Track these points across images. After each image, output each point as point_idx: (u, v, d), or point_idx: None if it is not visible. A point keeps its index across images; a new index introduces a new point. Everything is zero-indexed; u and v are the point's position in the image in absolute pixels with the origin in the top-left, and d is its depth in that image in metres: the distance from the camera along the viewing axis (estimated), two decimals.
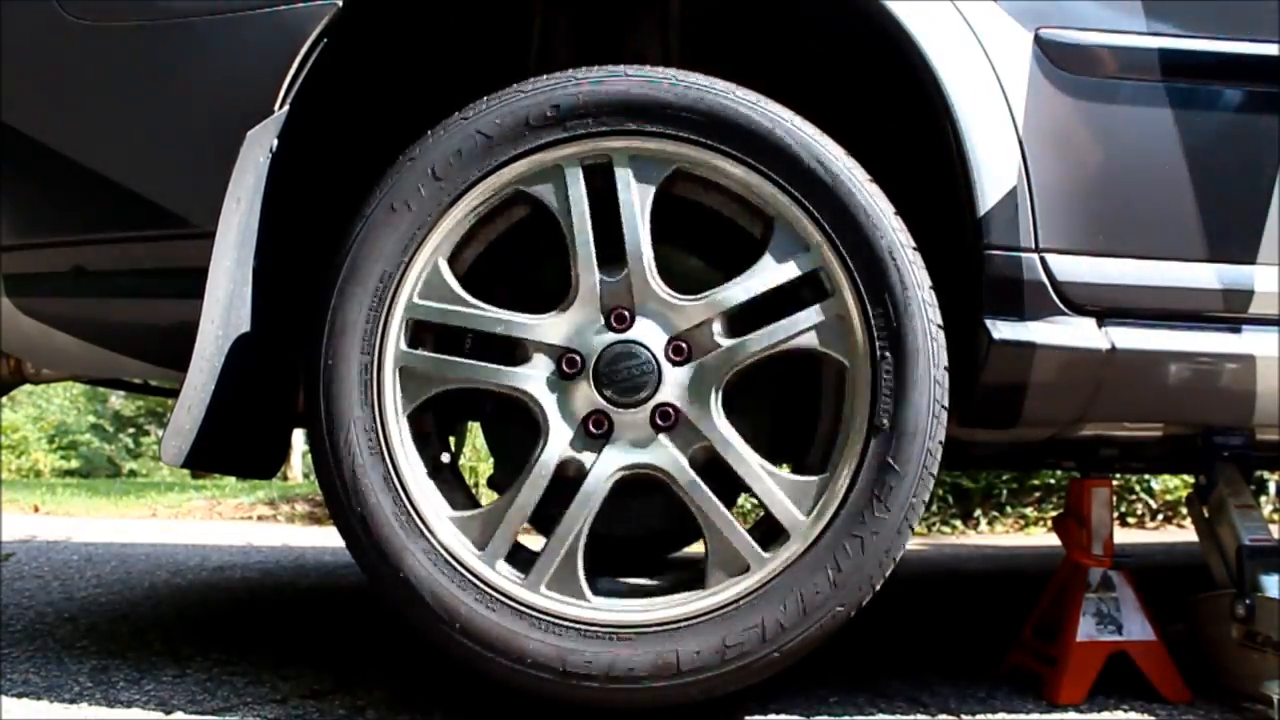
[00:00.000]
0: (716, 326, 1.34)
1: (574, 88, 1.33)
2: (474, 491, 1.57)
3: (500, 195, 1.35)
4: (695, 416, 1.33)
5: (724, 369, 1.33)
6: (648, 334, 1.34)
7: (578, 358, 1.34)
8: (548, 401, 1.34)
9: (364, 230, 1.33)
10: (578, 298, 1.34)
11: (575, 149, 1.33)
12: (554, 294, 1.37)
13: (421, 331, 1.36)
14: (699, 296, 1.34)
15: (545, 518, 1.35)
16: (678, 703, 1.30)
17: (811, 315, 1.33)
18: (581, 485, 1.33)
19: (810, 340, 1.33)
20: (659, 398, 1.33)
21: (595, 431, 1.34)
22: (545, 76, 1.35)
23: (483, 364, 1.36)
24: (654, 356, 1.34)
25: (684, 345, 1.35)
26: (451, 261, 1.36)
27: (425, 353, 1.35)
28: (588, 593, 1.32)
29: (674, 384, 1.34)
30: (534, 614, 1.30)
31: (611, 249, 1.34)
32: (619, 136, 1.33)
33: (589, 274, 1.34)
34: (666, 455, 1.33)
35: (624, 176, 1.34)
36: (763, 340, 1.33)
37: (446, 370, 1.35)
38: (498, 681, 1.30)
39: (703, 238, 1.49)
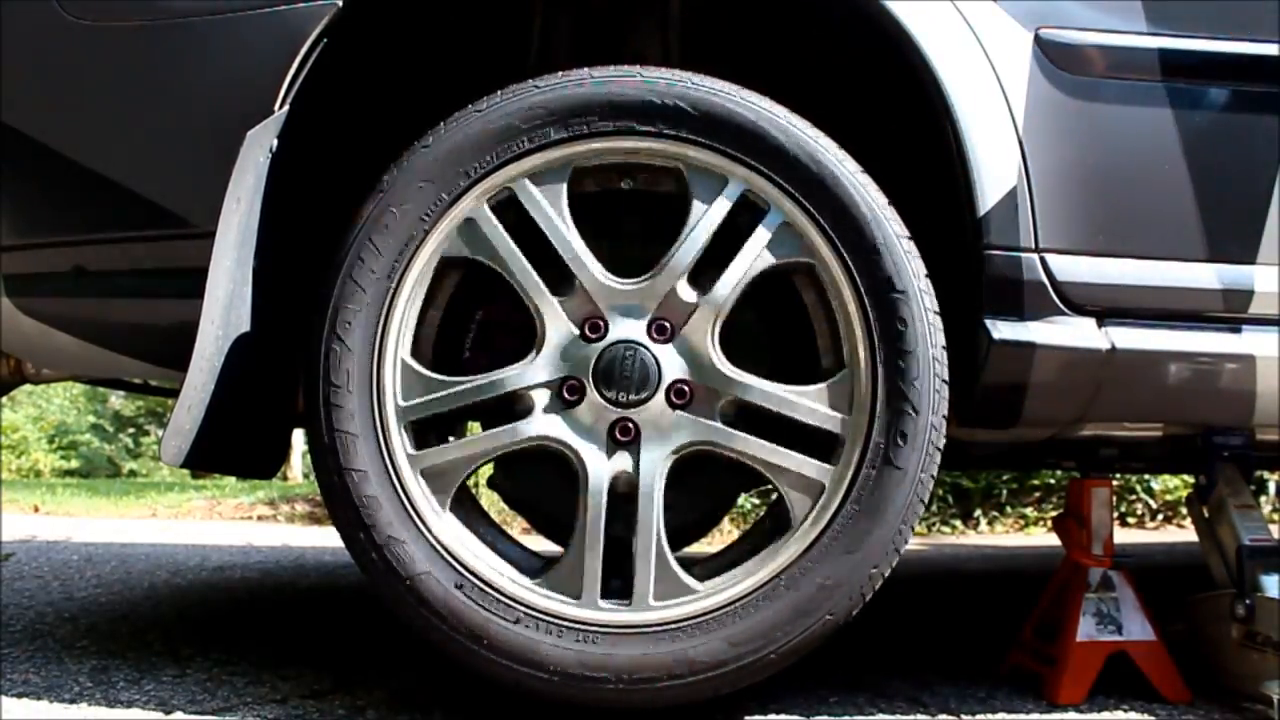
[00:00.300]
0: (683, 290, 1.34)
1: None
2: (474, 491, 1.57)
3: (430, 271, 1.35)
4: (704, 377, 1.33)
5: (710, 322, 1.33)
6: (626, 329, 1.34)
7: (574, 381, 1.34)
8: (565, 433, 1.34)
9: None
10: (547, 326, 1.34)
11: (479, 191, 1.33)
12: (524, 331, 1.37)
13: (424, 430, 1.37)
14: (651, 273, 1.34)
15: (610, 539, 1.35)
16: None
17: (762, 233, 1.33)
18: (638, 490, 1.32)
19: (773, 256, 1.33)
20: (665, 380, 1.33)
21: (624, 438, 1.33)
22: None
23: (491, 432, 1.35)
24: (642, 345, 1.33)
25: (664, 323, 1.34)
26: (414, 352, 1.36)
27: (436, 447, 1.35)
28: (694, 585, 1.32)
29: (672, 361, 1.34)
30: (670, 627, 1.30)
31: (552, 267, 1.34)
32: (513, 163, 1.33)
33: (545, 301, 1.33)
34: (699, 427, 1.33)
35: (529, 195, 1.34)
36: (731, 279, 1.33)
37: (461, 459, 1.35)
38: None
39: (631, 218, 1.49)
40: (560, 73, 1.36)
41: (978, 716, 1.50)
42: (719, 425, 1.33)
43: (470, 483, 1.42)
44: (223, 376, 1.36)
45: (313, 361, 1.33)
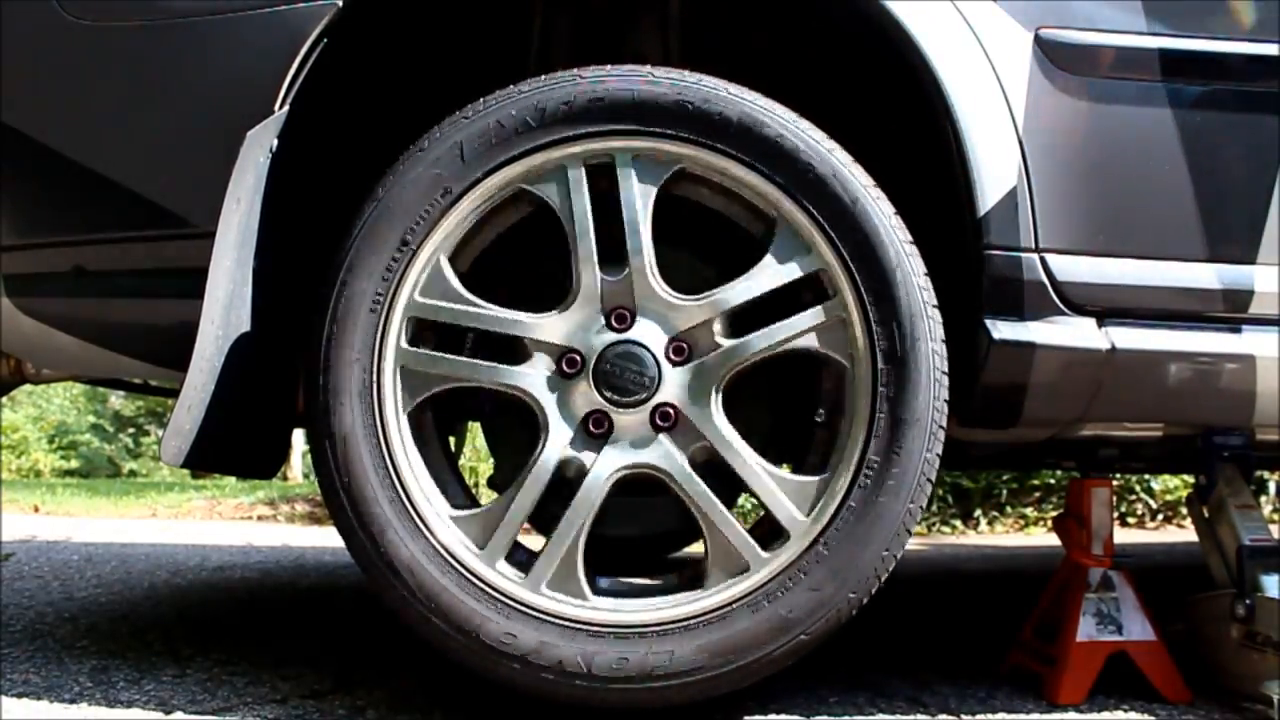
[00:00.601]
0: (717, 327, 1.34)
1: (578, 86, 1.33)
2: (474, 491, 1.57)
3: (503, 193, 1.35)
4: (695, 417, 1.33)
5: (724, 369, 1.33)
6: (648, 334, 1.34)
7: (578, 357, 1.34)
8: (547, 401, 1.34)
9: (370, 219, 1.33)
10: (578, 297, 1.34)
11: (580, 148, 1.33)
12: (553, 294, 1.37)
13: (422, 330, 1.36)
14: (700, 297, 1.34)
15: (546, 518, 1.35)
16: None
17: (814, 314, 1.33)
18: (581, 485, 1.33)
19: (810, 341, 1.33)
20: (659, 398, 1.33)
21: (595, 431, 1.34)
22: (549, 75, 1.35)
23: (483, 363, 1.36)
24: (654, 357, 1.33)
25: (684, 345, 1.34)
26: (453, 260, 1.36)
27: (426, 351, 1.35)
28: (587, 591, 1.32)
29: (674, 384, 1.34)
30: (531, 612, 1.30)
31: (612, 248, 1.34)
32: (622, 137, 1.33)
33: (590, 273, 1.34)
34: (666, 455, 1.33)
35: (627, 176, 1.34)
36: (763, 340, 1.33)
37: (446, 369, 1.35)
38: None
39: (703, 238, 1.49)
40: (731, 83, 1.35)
41: (978, 717, 1.50)
42: (684, 465, 1.33)
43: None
44: (223, 376, 1.36)
45: (313, 361, 1.33)
